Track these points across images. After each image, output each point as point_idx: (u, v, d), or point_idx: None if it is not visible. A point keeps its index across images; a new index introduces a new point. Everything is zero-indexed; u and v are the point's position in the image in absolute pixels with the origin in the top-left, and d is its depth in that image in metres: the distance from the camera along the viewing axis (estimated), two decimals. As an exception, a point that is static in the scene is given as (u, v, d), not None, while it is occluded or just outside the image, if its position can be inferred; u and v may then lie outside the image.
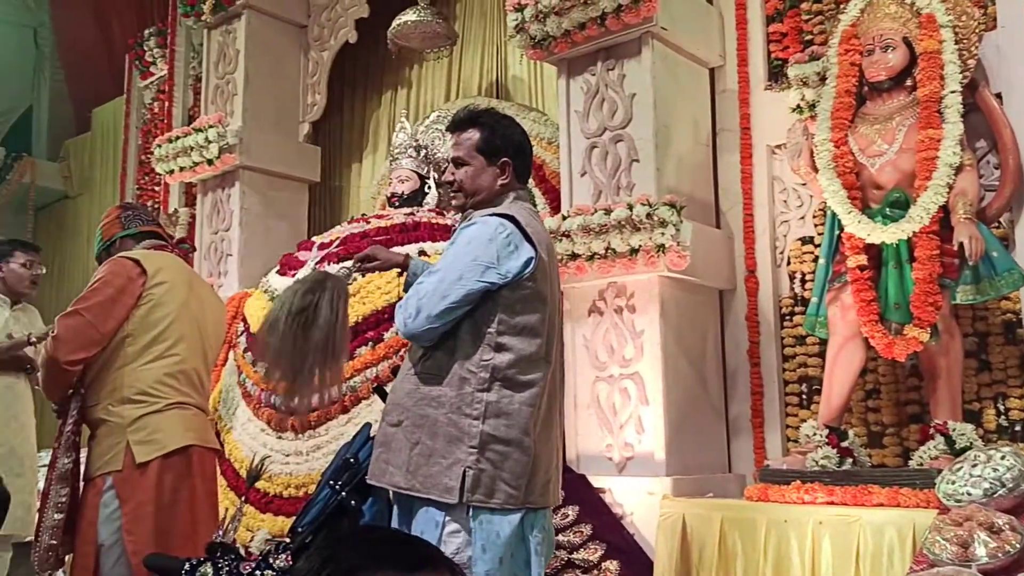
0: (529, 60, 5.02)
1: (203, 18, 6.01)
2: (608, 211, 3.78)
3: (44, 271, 4.69)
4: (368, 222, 4.92)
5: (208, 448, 3.11)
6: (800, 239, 4.02)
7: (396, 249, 4.50)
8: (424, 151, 5.15)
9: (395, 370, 4.16)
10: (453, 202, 2.62)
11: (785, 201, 4.09)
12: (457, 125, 2.52)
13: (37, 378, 4.46)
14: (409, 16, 5.17)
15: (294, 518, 3.18)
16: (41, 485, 5.47)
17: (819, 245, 3.73)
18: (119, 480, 2.87)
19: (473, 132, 2.49)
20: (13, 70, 9.26)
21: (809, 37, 4.06)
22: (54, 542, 2.92)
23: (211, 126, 5.66)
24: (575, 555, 3.49)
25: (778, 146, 4.09)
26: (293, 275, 4.87)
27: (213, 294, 3.41)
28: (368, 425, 3.14)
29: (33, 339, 4.30)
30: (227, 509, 4.08)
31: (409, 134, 5.22)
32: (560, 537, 3.46)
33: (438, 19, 5.23)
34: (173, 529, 2.90)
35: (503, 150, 2.46)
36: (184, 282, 3.10)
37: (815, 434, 3.33)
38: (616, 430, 3.83)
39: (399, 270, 2.67)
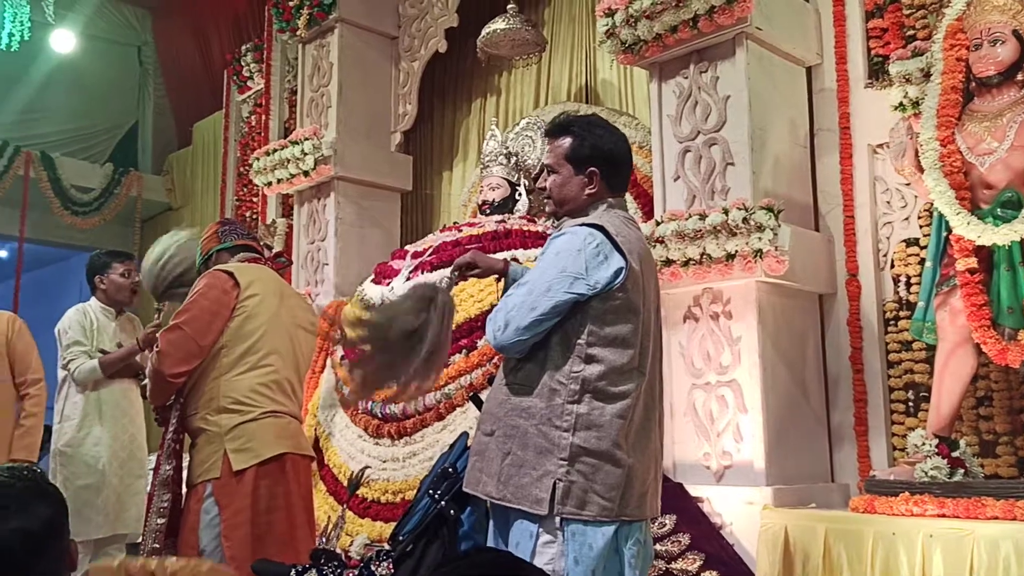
0: (619, 64, 4.98)
1: (298, 33, 6.17)
2: (703, 216, 3.72)
3: (139, 280, 4.80)
4: (460, 230, 4.96)
5: (302, 455, 3.17)
6: (904, 241, 3.89)
7: (488, 256, 4.56)
8: (514, 158, 5.17)
9: (489, 378, 4.19)
10: (546, 209, 2.62)
11: (888, 202, 3.96)
12: (551, 132, 2.52)
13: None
14: (498, 24, 5.20)
15: (394, 525, 3.23)
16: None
17: (925, 247, 3.61)
18: (218, 487, 2.96)
19: (564, 140, 2.48)
20: (119, 88, 9.66)
21: (911, 32, 3.92)
22: (156, 546, 3.03)
23: (307, 139, 5.80)
24: (673, 565, 3.44)
25: (880, 145, 3.97)
26: (387, 283, 4.95)
27: (304, 304, 3.48)
28: (466, 434, 3.17)
29: (142, 345, 4.46)
30: (329, 517, 4.17)
31: (499, 141, 5.25)
32: (657, 547, 3.42)
33: (527, 26, 5.24)
34: (270, 535, 2.97)
35: (591, 159, 2.43)
36: (275, 292, 3.18)
37: (924, 444, 3.21)
38: (714, 438, 3.76)
39: (497, 276, 2.68)
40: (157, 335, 4.16)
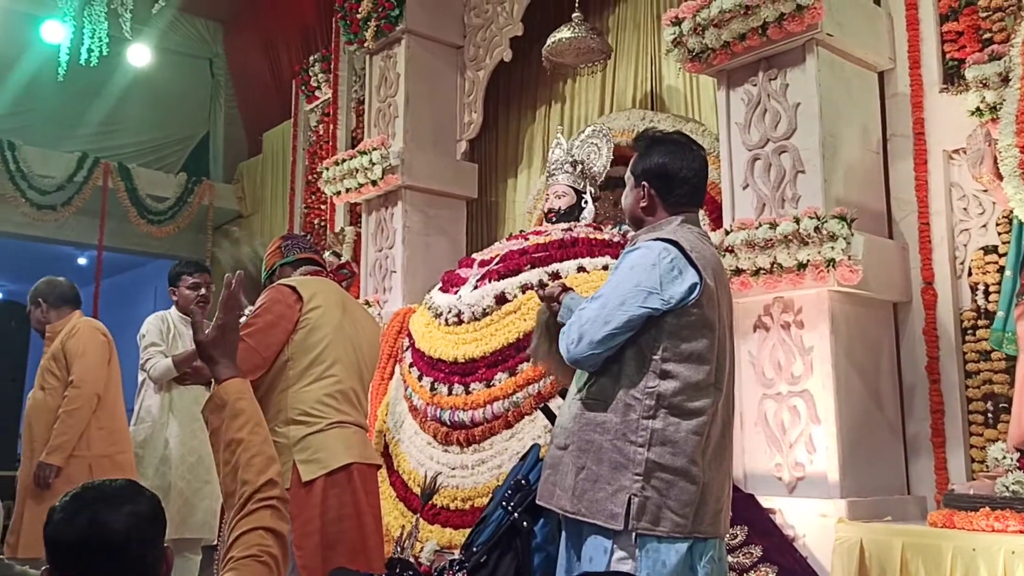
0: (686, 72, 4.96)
1: (365, 45, 6.26)
2: (773, 225, 3.69)
3: (212, 288, 4.81)
4: (527, 239, 4.99)
5: (368, 464, 3.20)
6: (982, 248, 3.80)
7: (555, 266, 4.58)
8: (580, 166, 5.18)
9: (558, 385, 4.21)
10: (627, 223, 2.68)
11: (965, 208, 3.88)
12: (633, 148, 2.59)
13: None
14: (564, 33, 5.21)
15: (462, 532, 3.28)
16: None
17: (1004, 255, 3.52)
18: (288, 498, 3.01)
19: (634, 155, 2.56)
20: (191, 99, 9.92)
21: (988, 35, 3.83)
22: None
23: (374, 148, 5.89)
24: (745, 577, 3.42)
25: (955, 151, 3.88)
26: (455, 292, 5.00)
27: (366, 315, 3.52)
28: (537, 446, 3.19)
29: None
30: (404, 526, 4.23)
31: (565, 149, 5.26)
32: (728, 558, 3.40)
33: (592, 34, 5.25)
34: (341, 544, 3.00)
35: (644, 174, 2.48)
36: (337, 304, 3.20)
37: (1004, 457, 3.14)
38: (785, 449, 3.73)
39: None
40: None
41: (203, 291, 4.72)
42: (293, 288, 3.13)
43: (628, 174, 2.53)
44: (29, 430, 4.27)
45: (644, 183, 2.47)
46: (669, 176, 2.47)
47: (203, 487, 4.62)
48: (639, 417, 2.27)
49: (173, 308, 4.80)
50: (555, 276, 4.47)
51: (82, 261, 11.31)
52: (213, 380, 1.95)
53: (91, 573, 1.48)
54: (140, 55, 8.89)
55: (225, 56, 9.84)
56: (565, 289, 2.63)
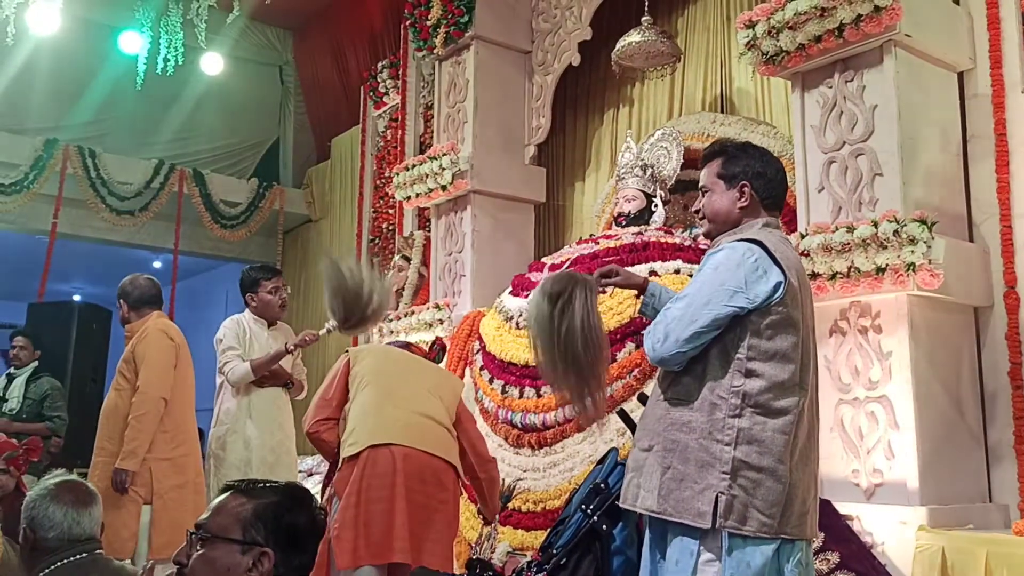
0: (757, 74, 4.93)
1: (435, 51, 6.35)
2: (851, 228, 3.65)
3: (289, 291, 4.97)
4: (597, 243, 5.01)
5: (417, 449, 3.38)
6: (1068, 252, 3.72)
7: (628, 269, 4.59)
8: (650, 170, 5.18)
9: (631, 390, 4.22)
10: (701, 230, 2.67)
11: (1049, 211, 3.79)
12: (706, 157, 2.60)
13: (295, 391, 4.88)
14: (634, 37, 5.22)
15: (543, 537, 3.31)
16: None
17: (1092, 259, 3.44)
18: (336, 482, 3.39)
19: (717, 160, 2.57)
20: (262, 106, 10.14)
21: (1074, 33, 3.75)
22: None
23: (444, 154, 5.96)
24: (822, 584, 3.40)
25: (1039, 152, 3.80)
26: (526, 296, 5.04)
27: (439, 373, 3.93)
28: (615, 450, 3.22)
29: (291, 347, 4.66)
30: (480, 529, 4.27)
31: (634, 153, 5.27)
32: (806, 564, 3.38)
33: (662, 38, 5.25)
34: (371, 521, 3.22)
35: (742, 174, 2.50)
36: (383, 355, 3.78)
37: (1094, 466, 3.07)
38: (863, 455, 3.69)
39: (637, 293, 2.72)
40: (307, 340, 4.55)
41: (284, 294, 4.81)
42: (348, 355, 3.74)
43: (715, 178, 2.52)
44: (100, 430, 4.34)
45: (744, 183, 2.48)
46: (767, 178, 2.50)
47: (289, 484, 4.71)
48: (725, 416, 2.28)
49: (247, 311, 4.87)
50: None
51: (157, 264, 11.64)
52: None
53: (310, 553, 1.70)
54: (213, 63, 9.12)
55: (295, 63, 10.04)
56: (646, 279, 2.65)
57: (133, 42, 8.60)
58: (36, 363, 6.25)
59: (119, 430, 4.22)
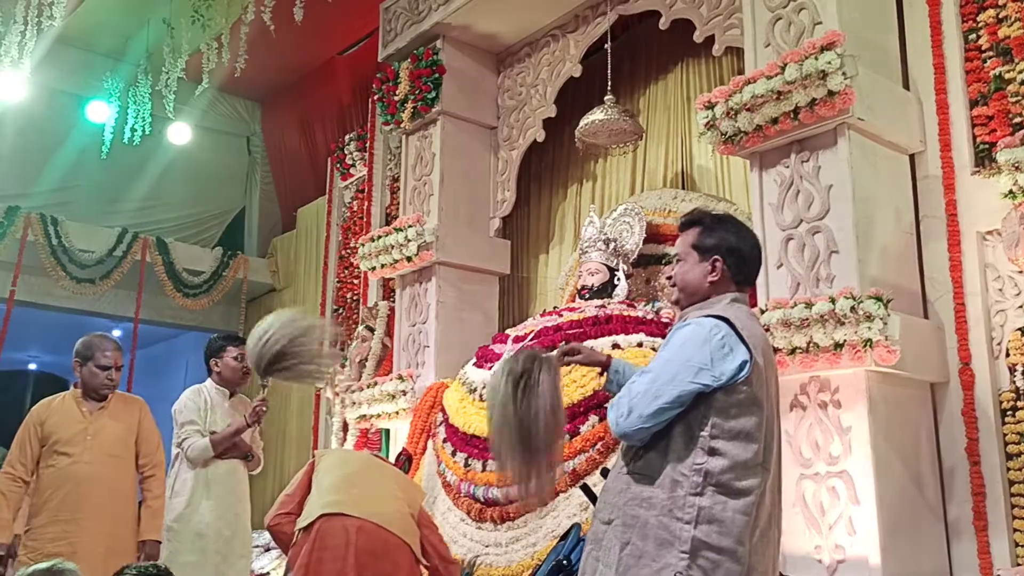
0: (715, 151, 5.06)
1: (402, 126, 6.44)
2: (809, 304, 3.72)
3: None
4: (561, 315, 5.04)
5: (374, 524, 3.43)
6: (1020, 329, 3.80)
7: (589, 343, 4.60)
8: (613, 244, 5.26)
9: (593, 464, 4.20)
10: (671, 297, 2.69)
11: (1000, 289, 3.89)
12: (682, 225, 2.62)
13: (252, 464, 4.80)
14: (597, 115, 5.34)
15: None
16: (256, 564, 5.78)
17: (1042, 336, 3.52)
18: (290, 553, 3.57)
19: (692, 230, 2.58)
20: (229, 176, 10.16)
21: (1018, 119, 3.90)
22: None
23: (410, 225, 6.00)
24: (787, 663, 3.36)
25: (989, 232, 3.92)
26: (489, 367, 5.03)
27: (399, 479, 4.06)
28: (578, 525, 3.20)
29: (250, 421, 4.60)
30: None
31: (597, 227, 5.35)
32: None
33: (625, 116, 5.38)
34: None
35: (715, 248, 2.51)
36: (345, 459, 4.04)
37: (1051, 542, 3.10)
38: (825, 531, 3.69)
39: (600, 370, 2.73)
40: (262, 410, 4.53)
41: (247, 363, 4.77)
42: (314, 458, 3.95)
43: (689, 248, 2.54)
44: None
45: (717, 258, 2.49)
46: (741, 254, 2.52)
47: (238, 561, 4.61)
48: (686, 493, 2.27)
49: (209, 380, 4.83)
50: (590, 353, 4.49)
51: (117, 333, 11.46)
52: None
53: None
54: (180, 133, 9.15)
55: (262, 134, 10.12)
56: (608, 357, 2.66)
57: (100, 111, 8.63)
58: None
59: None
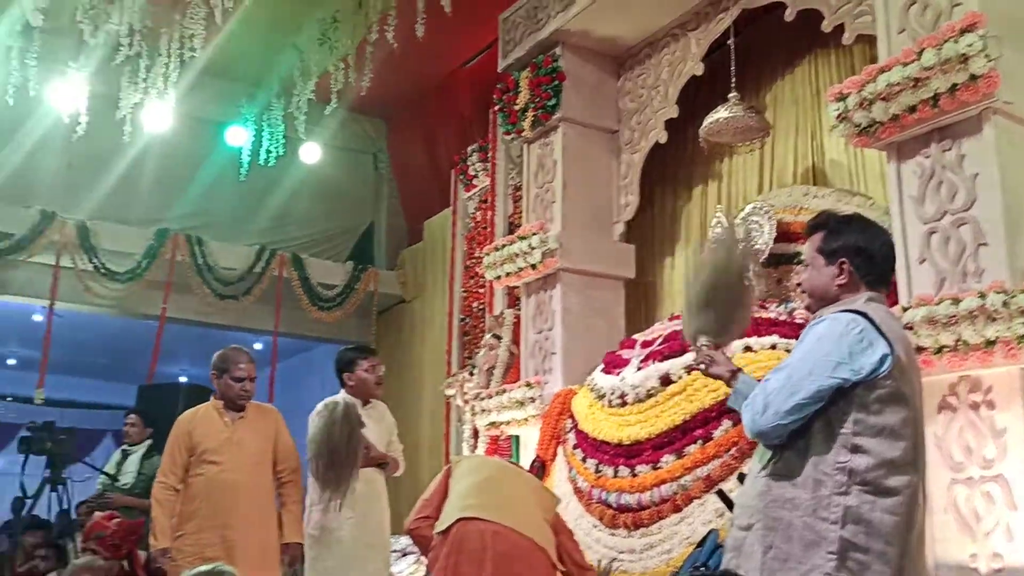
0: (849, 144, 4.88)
1: (523, 134, 6.49)
2: (956, 300, 3.53)
3: (384, 370, 5.02)
4: (690, 318, 4.96)
5: (510, 528, 3.43)
6: None
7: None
8: (742, 244, 5.12)
9: (728, 469, 4.11)
10: (800, 304, 2.64)
11: None
12: (808, 230, 2.58)
13: (391, 469, 4.90)
14: (721, 113, 5.24)
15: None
16: (395, 568, 5.90)
17: None
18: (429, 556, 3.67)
19: (818, 234, 2.54)
20: (357, 192, 10.49)
21: None
22: None
23: (534, 233, 6.03)
24: None
25: None
26: (617, 373, 5.01)
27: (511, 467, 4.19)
28: (715, 531, 3.14)
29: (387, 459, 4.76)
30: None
31: (725, 227, 5.23)
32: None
33: (751, 113, 5.26)
34: None
35: (841, 250, 2.45)
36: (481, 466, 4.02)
37: None
38: (980, 538, 3.49)
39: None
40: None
41: (380, 372, 4.88)
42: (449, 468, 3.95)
43: (814, 252, 2.50)
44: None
45: (843, 260, 2.43)
46: (868, 254, 2.45)
47: (378, 566, 4.70)
48: (831, 493, 2.21)
49: (343, 392, 4.95)
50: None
51: (258, 346, 11.99)
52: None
53: None
54: (311, 153, 9.50)
55: (388, 151, 10.40)
56: (734, 373, 2.57)
57: (238, 136, 9.07)
58: (151, 441, 6.46)
59: None
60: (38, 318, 9.52)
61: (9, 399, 13.88)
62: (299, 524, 4.50)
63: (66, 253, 8.58)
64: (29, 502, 6.08)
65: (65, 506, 6.17)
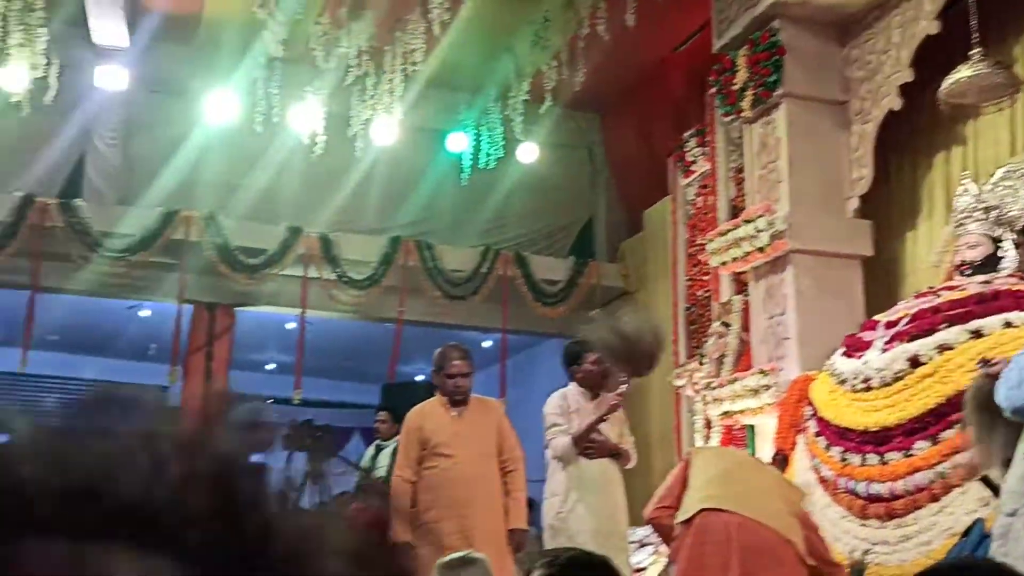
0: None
1: (743, 114, 6.30)
2: None
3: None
4: (938, 295, 4.64)
5: (755, 520, 3.35)
6: None
7: (975, 323, 4.18)
8: (994, 212, 4.74)
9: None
10: None
11: None
12: None
13: (623, 461, 4.92)
14: (963, 72, 4.84)
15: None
16: (633, 559, 5.94)
17: None
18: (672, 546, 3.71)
19: None
20: (574, 187, 10.56)
21: None
22: None
23: (759, 215, 5.85)
24: None
25: None
26: (859, 356, 4.76)
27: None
28: (980, 521, 2.91)
29: (605, 416, 4.72)
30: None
31: (974, 195, 4.85)
32: None
33: (997, 69, 4.82)
34: None
35: None
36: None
37: None
38: None
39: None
40: (614, 404, 4.70)
41: (606, 364, 4.92)
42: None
43: None
44: None
45: None
46: None
47: (618, 556, 4.72)
48: None
49: (571, 384, 5.04)
50: (977, 334, 4.09)
51: (486, 344, 12.40)
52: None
53: None
54: (528, 152, 9.70)
55: (603, 143, 10.41)
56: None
57: (459, 142, 9.41)
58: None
59: None
60: (291, 326, 10.33)
61: (271, 401, 15.18)
62: (523, 511, 4.67)
63: (312, 264, 9.26)
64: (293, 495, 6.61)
65: (325, 499, 6.67)
